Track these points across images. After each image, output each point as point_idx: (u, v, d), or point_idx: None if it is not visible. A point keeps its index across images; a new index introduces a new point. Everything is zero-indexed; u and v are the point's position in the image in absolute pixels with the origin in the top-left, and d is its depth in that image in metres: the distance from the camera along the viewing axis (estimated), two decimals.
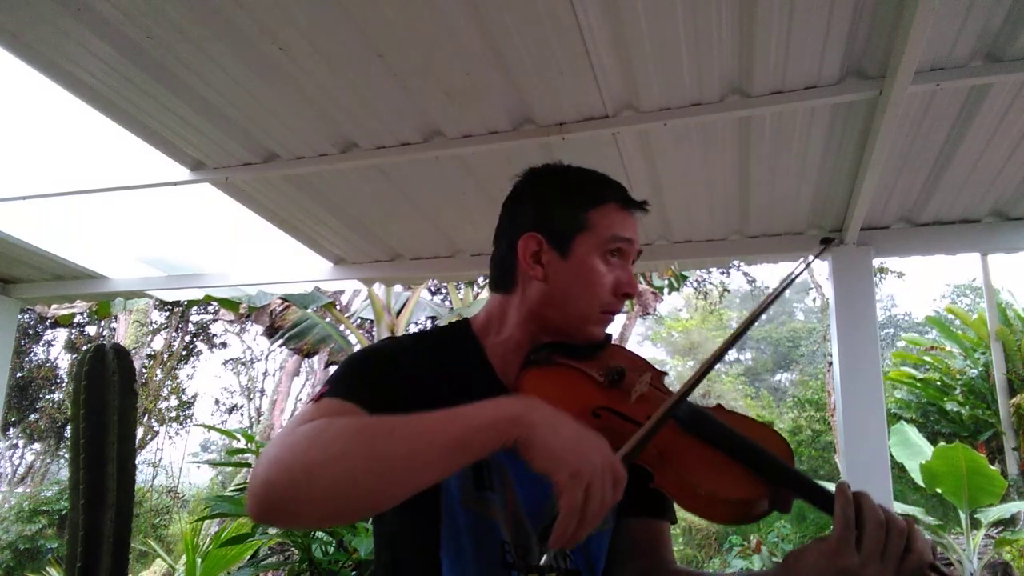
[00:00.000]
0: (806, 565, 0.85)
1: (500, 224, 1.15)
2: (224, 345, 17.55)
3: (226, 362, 18.68)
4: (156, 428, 15.10)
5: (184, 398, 16.08)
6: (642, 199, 1.14)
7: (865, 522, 0.82)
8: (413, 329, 7.31)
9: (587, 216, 1.07)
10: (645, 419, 0.92)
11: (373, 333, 7.87)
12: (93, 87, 2.05)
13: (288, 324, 6.90)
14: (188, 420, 16.09)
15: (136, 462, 3.10)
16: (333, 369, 1.35)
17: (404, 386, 0.99)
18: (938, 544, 6.68)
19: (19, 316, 4.03)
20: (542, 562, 0.87)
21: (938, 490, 6.50)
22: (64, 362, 15.26)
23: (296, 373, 16.92)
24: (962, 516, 6.47)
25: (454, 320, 1.18)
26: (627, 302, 1.13)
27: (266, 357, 19.07)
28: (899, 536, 0.82)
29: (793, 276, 1.08)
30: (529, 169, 1.16)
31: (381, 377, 0.99)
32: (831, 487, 0.91)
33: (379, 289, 6.74)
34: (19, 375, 14.05)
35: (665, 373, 1.11)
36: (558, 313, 1.06)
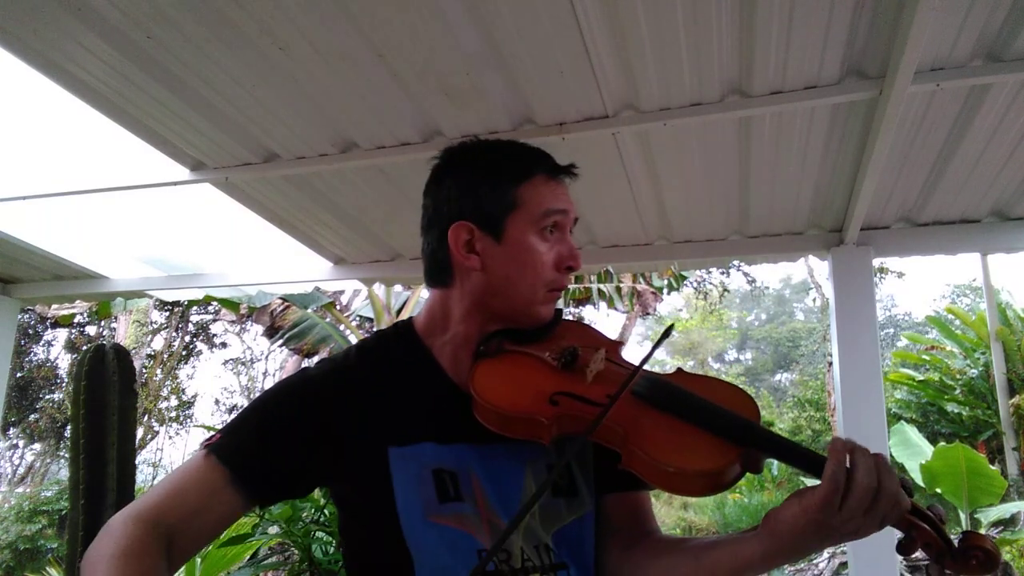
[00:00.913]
0: (786, 521, 0.82)
1: (424, 214, 1.08)
2: (224, 345, 17.56)
3: (226, 362, 18.69)
4: (156, 428, 15.11)
5: (184, 398, 16.08)
6: (568, 163, 1.06)
7: (854, 485, 0.78)
8: None
9: (515, 194, 1.00)
10: (605, 398, 0.89)
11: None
12: (93, 87, 2.05)
13: (288, 324, 6.90)
14: (188, 420, 16.09)
15: (136, 462, 3.10)
16: None
17: (331, 418, 0.97)
18: None
19: (19, 316, 4.03)
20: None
21: (938, 490, 6.50)
22: (64, 362, 15.28)
23: None
24: (962, 516, 6.47)
25: (395, 322, 1.14)
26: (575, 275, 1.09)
27: (266, 357, 19.08)
28: (885, 496, 0.79)
29: (656, 345, 1.02)
30: (446, 150, 1.09)
31: (286, 426, 0.96)
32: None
33: (379, 289, 6.73)
34: (19, 375, 14.05)
35: (622, 343, 1.07)
36: (503, 301, 1.01)
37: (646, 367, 0.97)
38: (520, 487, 0.98)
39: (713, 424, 0.89)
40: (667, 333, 1.00)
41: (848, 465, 0.80)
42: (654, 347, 1.00)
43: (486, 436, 0.95)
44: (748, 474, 0.90)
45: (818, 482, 0.81)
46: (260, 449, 0.95)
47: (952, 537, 0.82)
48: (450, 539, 0.92)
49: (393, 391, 1.01)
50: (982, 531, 6.56)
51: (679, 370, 1.02)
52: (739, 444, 0.87)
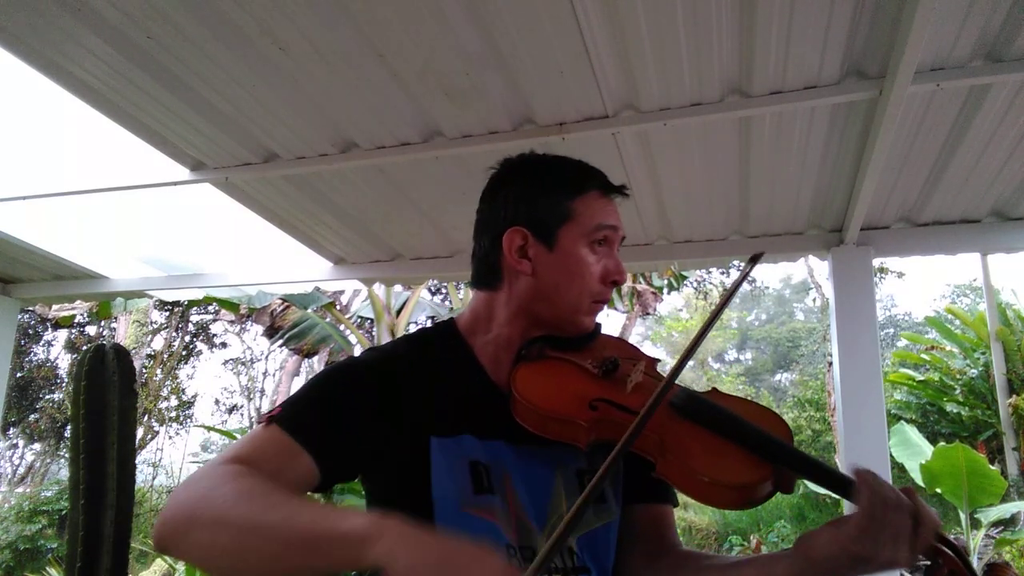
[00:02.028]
0: (819, 550, 0.83)
1: (480, 219, 1.12)
2: (224, 345, 17.56)
3: (226, 362, 18.68)
4: (156, 428, 15.10)
5: (184, 398, 16.08)
6: (620, 184, 1.11)
7: (886, 511, 0.80)
8: (413, 329, 7.33)
9: (570, 206, 1.05)
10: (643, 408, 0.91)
11: (373, 333, 7.87)
12: (93, 87, 2.05)
13: (288, 324, 6.91)
14: (188, 420, 16.09)
15: (136, 462, 3.09)
16: None
17: (383, 402, 0.97)
18: None
19: (19, 316, 4.03)
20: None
21: (938, 490, 6.49)
22: (64, 362, 15.28)
23: (296, 373, 16.93)
24: (962, 516, 6.47)
25: (437, 321, 1.15)
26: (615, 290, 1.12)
27: (266, 357, 19.08)
28: (912, 517, 0.81)
29: (735, 286, 1.09)
30: (505, 160, 1.14)
31: (345, 402, 0.96)
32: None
33: (379, 289, 6.73)
34: (19, 375, 14.05)
35: (658, 360, 1.09)
36: (548, 306, 1.05)
37: (682, 382, 0.99)
38: (550, 490, 0.99)
39: (747, 440, 0.91)
40: (754, 260, 1.04)
41: (882, 496, 0.81)
42: (741, 277, 1.05)
43: (521, 437, 0.98)
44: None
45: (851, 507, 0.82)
46: (324, 421, 0.94)
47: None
48: (481, 531, 0.93)
49: (436, 383, 1.02)
50: (982, 531, 6.56)
51: (714, 389, 1.04)
52: (772, 462, 0.89)
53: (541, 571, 0.72)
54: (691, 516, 11.72)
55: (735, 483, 0.87)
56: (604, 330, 1.13)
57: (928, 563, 0.83)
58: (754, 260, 1.10)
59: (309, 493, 0.95)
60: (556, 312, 1.05)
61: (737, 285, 1.09)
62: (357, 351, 7.37)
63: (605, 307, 1.13)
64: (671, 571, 1.02)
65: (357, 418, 0.96)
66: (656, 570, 1.03)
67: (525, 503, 0.97)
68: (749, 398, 1.10)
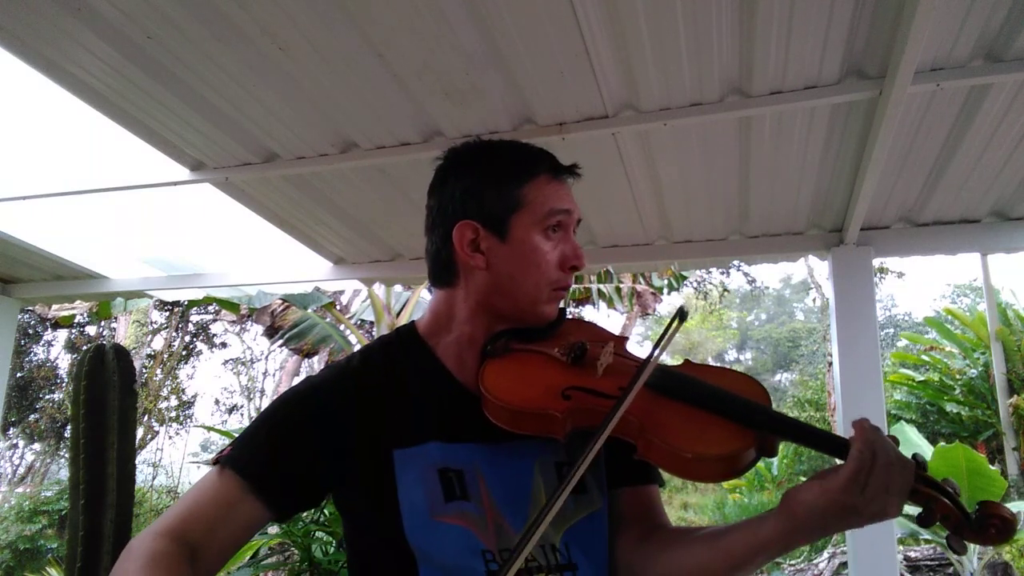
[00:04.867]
0: (806, 503, 0.82)
1: (429, 214, 1.08)
2: (224, 345, 17.54)
3: (226, 362, 18.67)
4: (156, 428, 15.09)
5: (184, 398, 16.06)
6: (571, 164, 1.07)
7: (877, 464, 0.79)
8: None
9: (519, 193, 1.01)
10: (617, 391, 0.90)
11: (373, 333, 7.88)
12: (93, 87, 2.06)
13: (288, 324, 6.90)
14: (188, 420, 16.08)
15: (136, 462, 3.10)
16: None
17: (339, 423, 0.97)
18: (938, 544, 6.69)
19: (19, 316, 4.03)
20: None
21: None
22: (64, 362, 15.26)
23: (296, 373, 16.92)
24: None
25: (398, 327, 1.13)
26: (575, 275, 1.09)
27: (266, 357, 19.06)
28: (904, 469, 0.80)
29: (664, 339, 0.97)
30: (450, 150, 1.10)
31: (296, 433, 0.96)
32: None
33: (379, 289, 6.73)
34: (19, 375, 14.04)
35: (626, 338, 1.07)
36: (507, 299, 1.01)
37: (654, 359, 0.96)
38: (529, 486, 0.98)
39: (726, 409, 0.90)
40: (682, 318, 0.98)
41: (873, 445, 0.80)
42: (666, 331, 0.98)
43: (494, 435, 0.96)
44: (762, 460, 0.90)
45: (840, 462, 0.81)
46: (273, 458, 0.95)
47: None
48: (454, 538, 0.92)
49: (398, 393, 1.00)
50: None
51: (687, 361, 1.02)
52: (753, 427, 0.88)
53: (517, 566, 0.72)
54: (691, 516, 11.72)
55: (718, 454, 0.86)
56: (569, 315, 1.10)
57: (920, 510, 0.82)
58: (682, 318, 0.98)
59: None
60: (516, 304, 1.02)
61: (667, 333, 0.98)
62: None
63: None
64: (661, 550, 1.00)
65: (308, 449, 0.95)
66: (646, 551, 1.01)
67: (502, 505, 0.95)
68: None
